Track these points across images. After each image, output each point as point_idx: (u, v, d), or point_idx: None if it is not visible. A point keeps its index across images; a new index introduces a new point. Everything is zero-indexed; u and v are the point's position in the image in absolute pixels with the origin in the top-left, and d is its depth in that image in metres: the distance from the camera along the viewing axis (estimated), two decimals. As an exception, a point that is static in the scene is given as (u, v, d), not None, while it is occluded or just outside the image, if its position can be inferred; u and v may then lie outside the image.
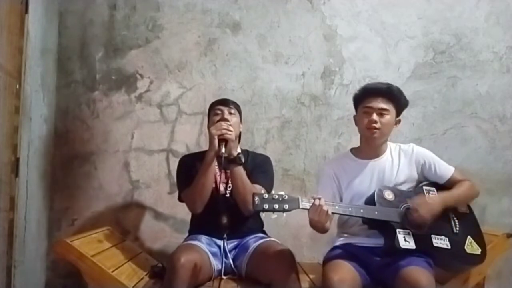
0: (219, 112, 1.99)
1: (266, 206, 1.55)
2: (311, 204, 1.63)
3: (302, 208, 1.62)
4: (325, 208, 1.62)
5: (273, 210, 1.55)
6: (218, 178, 1.98)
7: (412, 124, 2.62)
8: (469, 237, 1.80)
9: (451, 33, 2.68)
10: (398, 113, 1.88)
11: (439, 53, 2.67)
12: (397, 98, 1.86)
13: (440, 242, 1.73)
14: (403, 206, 1.76)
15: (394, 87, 1.88)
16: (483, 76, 2.67)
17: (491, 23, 2.69)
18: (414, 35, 2.68)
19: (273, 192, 1.59)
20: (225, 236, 1.93)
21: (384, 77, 2.62)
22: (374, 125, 1.81)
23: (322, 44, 2.66)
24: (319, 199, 1.63)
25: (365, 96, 1.87)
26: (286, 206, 1.56)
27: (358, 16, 2.67)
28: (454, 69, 2.67)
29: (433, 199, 1.76)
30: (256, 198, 1.56)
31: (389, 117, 1.83)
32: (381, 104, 1.82)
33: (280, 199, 1.57)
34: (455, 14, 2.69)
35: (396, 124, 1.89)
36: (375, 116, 1.81)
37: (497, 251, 1.92)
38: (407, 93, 2.59)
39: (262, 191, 1.86)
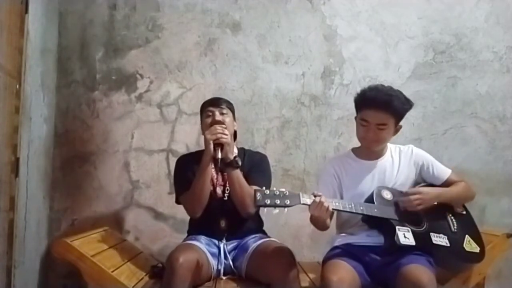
0: (210, 113, 1.97)
1: (268, 201, 1.56)
2: (312, 200, 1.64)
3: (303, 204, 1.62)
4: (325, 204, 1.63)
5: (275, 206, 1.56)
6: (215, 181, 1.97)
7: (412, 124, 2.62)
8: (467, 236, 1.81)
9: (451, 33, 2.68)
10: (399, 121, 1.81)
11: (439, 53, 2.67)
12: (397, 110, 1.76)
13: (439, 240, 1.74)
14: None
15: (396, 98, 1.75)
16: (483, 76, 2.67)
17: (491, 23, 2.69)
18: (414, 35, 2.68)
19: (274, 188, 1.59)
20: (223, 239, 1.93)
21: (384, 77, 2.63)
22: (371, 139, 1.80)
23: (322, 44, 2.66)
24: (320, 195, 1.64)
25: (364, 106, 1.79)
26: (288, 202, 1.57)
27: (358, 16, 2.67)
28: (454, 69, 2.67)
29: (427, 190, 1.79)
30: (258, 194, 1.56)
31: (387, 130, 1.79)
32: (380, 119, 1.75)
33: (281, 195, 1.58)
34: (455, 14, 2.69)
35: (396, 132, 1.84)
36: (372, 132, 1.78)
37: (497, 251, 1.93)
38: (407, 93, 2.57)
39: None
